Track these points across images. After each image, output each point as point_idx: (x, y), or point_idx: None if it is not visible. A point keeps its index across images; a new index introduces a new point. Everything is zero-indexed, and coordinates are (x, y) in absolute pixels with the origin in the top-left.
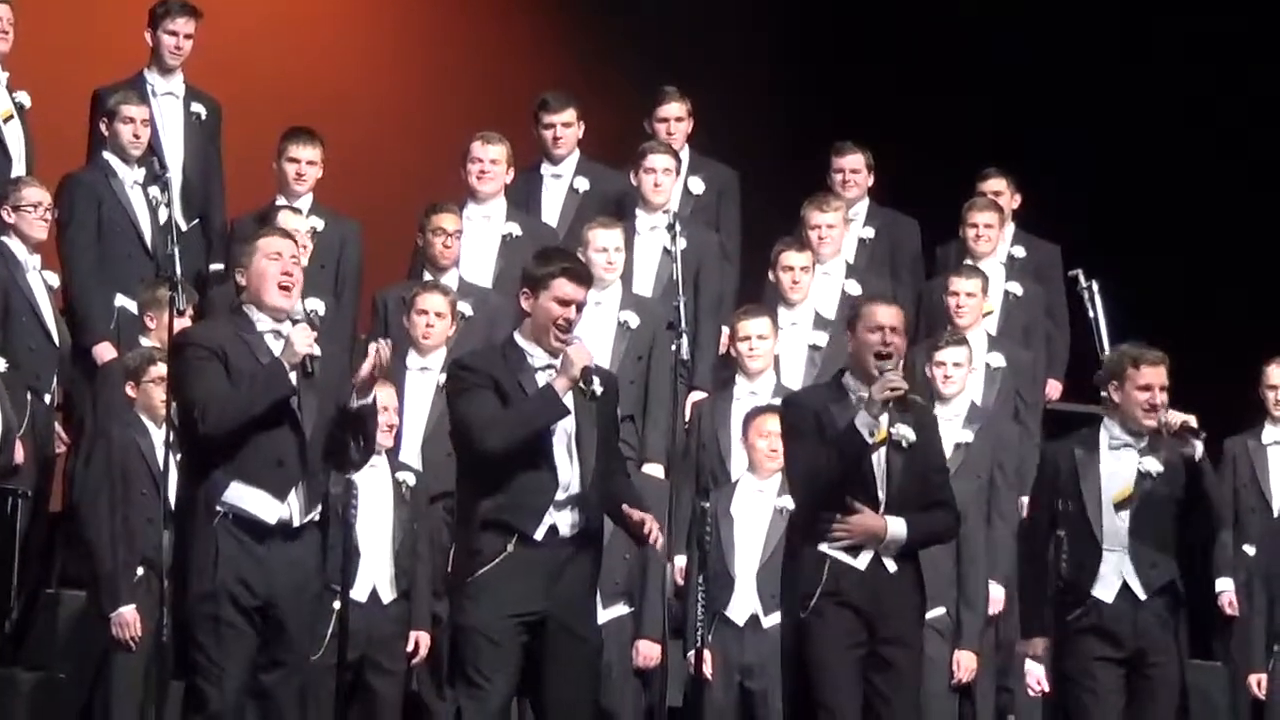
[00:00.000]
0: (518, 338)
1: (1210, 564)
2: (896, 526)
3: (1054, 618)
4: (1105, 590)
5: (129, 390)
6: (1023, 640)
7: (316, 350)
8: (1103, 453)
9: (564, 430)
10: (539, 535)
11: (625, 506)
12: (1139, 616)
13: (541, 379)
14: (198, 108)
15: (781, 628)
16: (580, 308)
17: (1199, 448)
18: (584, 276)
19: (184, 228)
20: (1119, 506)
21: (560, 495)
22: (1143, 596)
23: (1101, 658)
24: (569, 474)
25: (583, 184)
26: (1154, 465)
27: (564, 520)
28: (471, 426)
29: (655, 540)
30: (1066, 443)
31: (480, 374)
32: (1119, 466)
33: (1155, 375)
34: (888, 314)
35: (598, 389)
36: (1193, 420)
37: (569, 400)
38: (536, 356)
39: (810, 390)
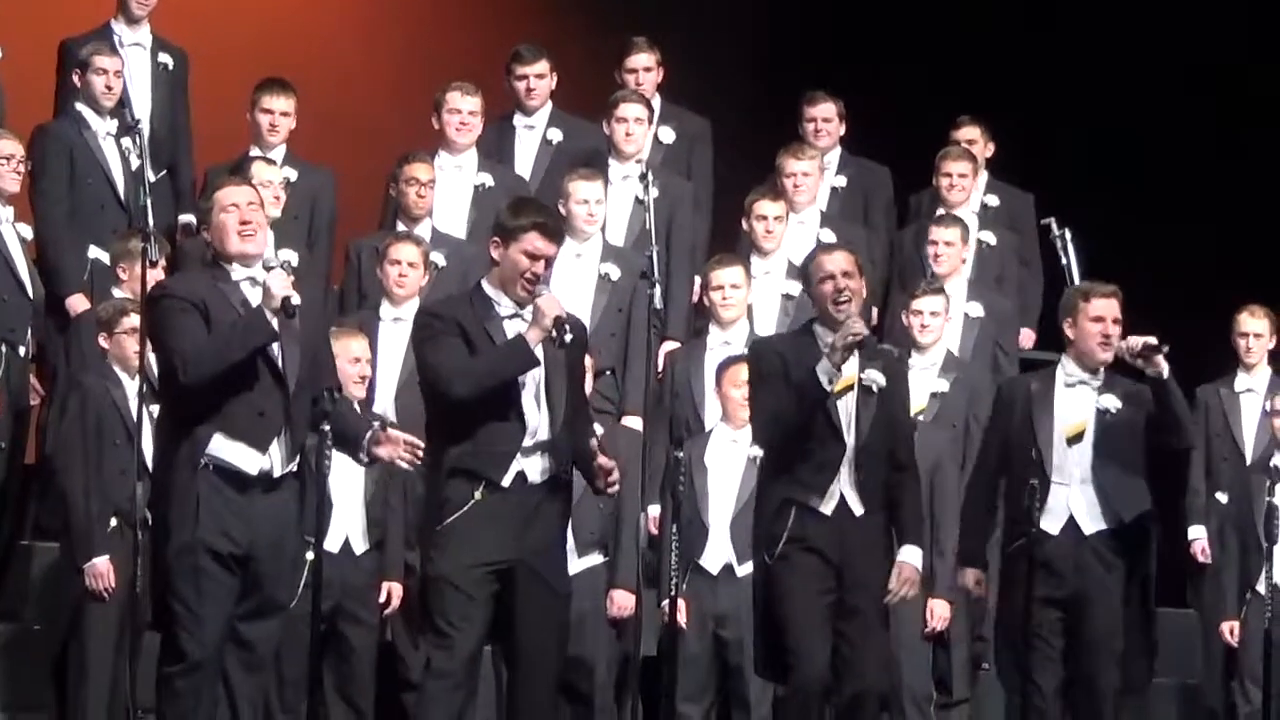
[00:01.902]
0: (485, 286)
1: (1182, 512)
2: (913, 555)
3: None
4: (1051, 523)
5: (102, 341)
6: (959, 569)
7: (294, 294)
8: (1058, 389)
9: (532, 377)
10: (506, 482)
11: (597, 451)
12: (1080, 553)
13: (509, 327)
14: (165, 58)
15: (753, 573)
16: (550, 262)
17: (1164, 366)
18: (556, 232)
19: (152, 179)
20: (1070, 442)
21: (528, 442)
22: (1088, 532)
23: (1041, 598)
24: (537, 420)
25: (556, 135)
26: (1112, 402)
27: (532, 467)
28: (440, 374)
29: (612, 486)
30: (1023, 379)
31: (448, 321)
32: (1073, 403)
33: (1107, 307)
34: (834, 260)
35: (567, 336)
36: (1153, 339)
37: (539, 350)
38: (503, 305)
39: (779, 337)
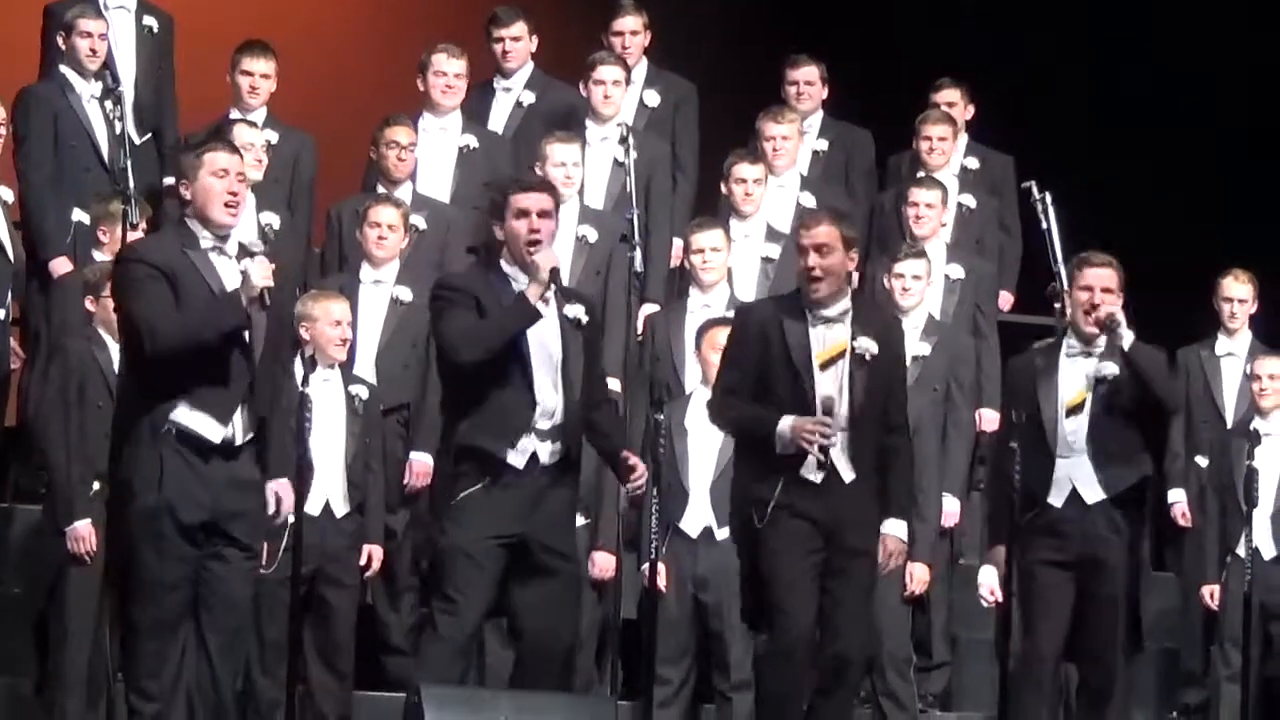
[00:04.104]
0: (502, 262)
1: (1162, 476)
2: (897, 528)
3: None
4: (1056, 496)
5: (88, 304)
6: (988, 549)
7: (272, 283)
8: (1061, 361)
9: (549, 357)
10: (520, 464)
11: (624, 454)
12: (1087, 522)
13: None
14: (149, 21)
15: (731, 534)
16: (544, 214)
17: (1127, 336)
18: (534, 184)
19: (137, 142)
20: (1070, 413)
21: (544, 424)
22: (1090, 501)
23: (1047, 560)
24: (554, 401)
25: (528, 98)
26: (1110, 369)
27: (545, 449)
28: (448, 341)
29: (638, 484)
30: (1030, 353)
31: (463, 293)
32: (1074, 374)
33: (1096, 277)
34: (810, 235)
35: (583, 317)
36: (1118, 312)
37: (553, 323)
38: (519, 280)
39: (762, 303)
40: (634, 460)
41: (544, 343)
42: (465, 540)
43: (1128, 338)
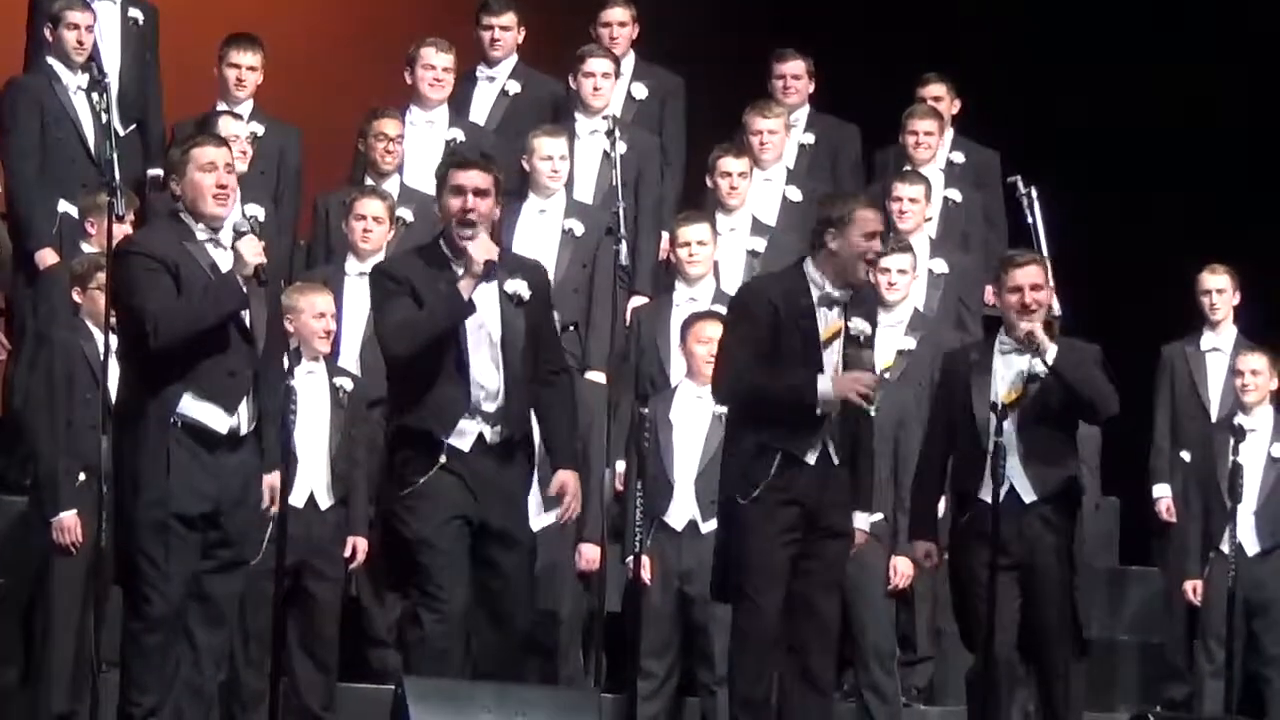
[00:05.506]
0: (441, 242)
1: (1147, 470)
2: (862, 522)
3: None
4: (989, 493)
5: (75, 295)
6: (909, 543)
7: (264, 259)
8: (995, 358)
9: (488, 336)
10: (466, 447)
11: (560, 474)
12: (1024, 520)
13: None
14: (135, 13)
15: (718, 510)
16: (480, 193)
17: (1050, 350)
18: (472, 160)
19: (121, 134)
20: (1005, 410)
21: (487, 406)
22: (1028, 499)
23: (989, 564)
24: (494, 383)
25: (514, 87)
26: (1041, 366)
27: (489, 431)
28: (381, 333)
29: (564, 518)
30: (964, 350)
31: (399, 280)
32: (1008, 371)
33: (1024, 276)
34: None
35: (524, 293)
36: (1038, 329)
37: (492, 302)
38: (457, 264)
39: (767, 278)
40: (568, 499)
41: (481, 323)
42: (426, 530)
43: (1050, 351)
